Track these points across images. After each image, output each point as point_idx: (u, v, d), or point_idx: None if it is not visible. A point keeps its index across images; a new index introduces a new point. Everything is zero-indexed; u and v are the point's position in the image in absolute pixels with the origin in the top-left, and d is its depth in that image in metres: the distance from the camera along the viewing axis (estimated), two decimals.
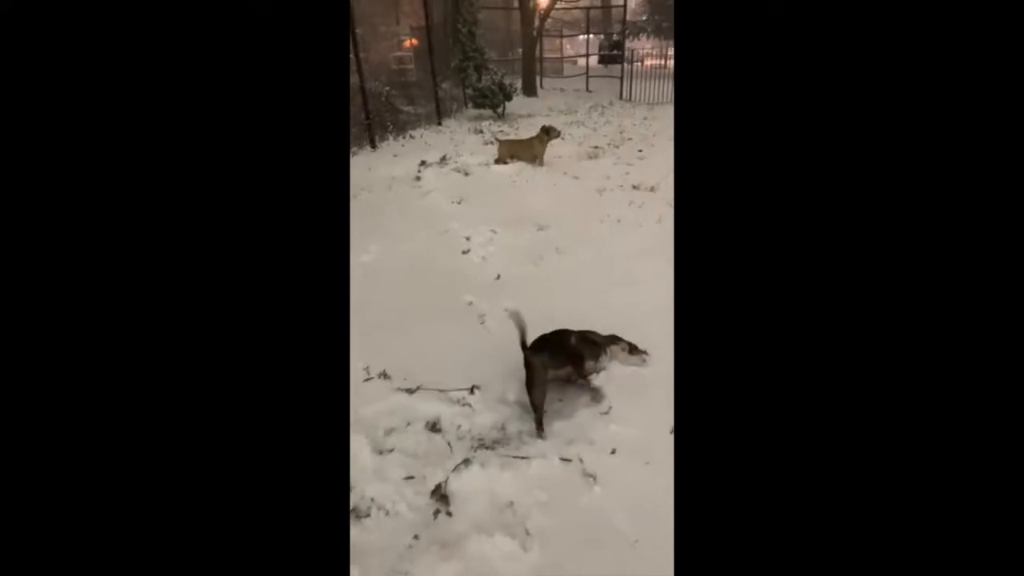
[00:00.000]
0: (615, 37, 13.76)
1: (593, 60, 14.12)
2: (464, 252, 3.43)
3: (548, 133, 5.37)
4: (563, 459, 1.73)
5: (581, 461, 1.71)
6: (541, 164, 5.34)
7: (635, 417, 1.89)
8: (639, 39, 13.30)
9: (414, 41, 8.77)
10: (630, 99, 10.26)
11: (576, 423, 1.89)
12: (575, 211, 4.12)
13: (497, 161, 5.36)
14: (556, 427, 1.89)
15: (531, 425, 1.90)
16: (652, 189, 4.57)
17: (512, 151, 5.44)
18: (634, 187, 4.66)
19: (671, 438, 1.82)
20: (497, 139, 5.83)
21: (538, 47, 11.87)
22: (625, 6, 11.89)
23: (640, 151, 6.02)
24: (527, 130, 6.58)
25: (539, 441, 1.83)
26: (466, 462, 1.71)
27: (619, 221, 3.92)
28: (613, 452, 1.75)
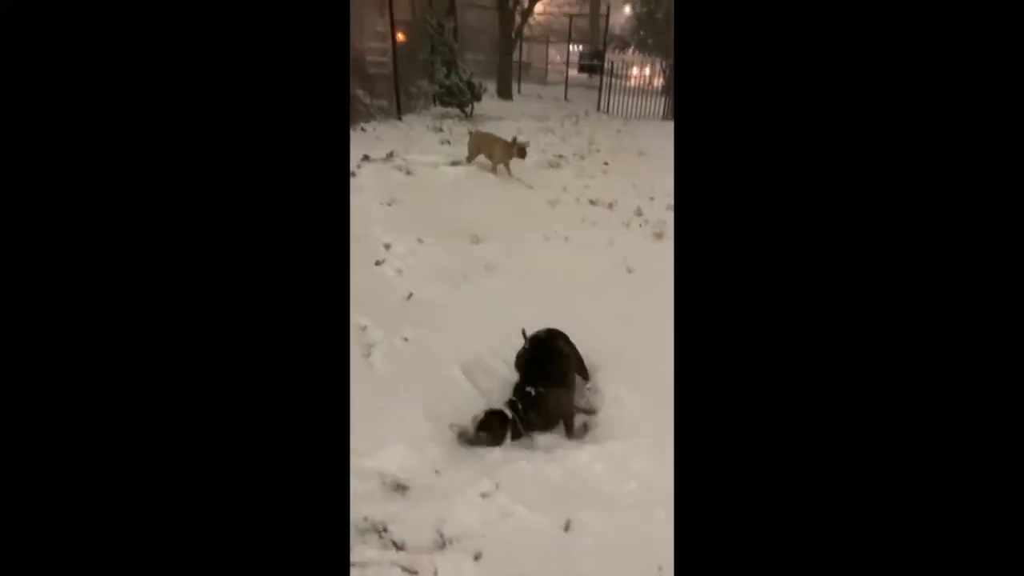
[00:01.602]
0: (598, 47, 13.47)
1: (574, 70, 13.79)
2: (377, 263, 2.90)
3: (515, 145, 4.70)
4: None
5: None
6: (494, 172, 4.80)
7: (534, 505, 1.39)
8: (624, 52, 13.00)
9: (399, 34, 8.28)
10: (607, 111, 9.91)
11: (445, 505, 1.38)
12: (520, 224, 3.64)
13: (468, 158, 4.81)
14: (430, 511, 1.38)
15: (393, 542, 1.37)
16: (610, 206, 4.12)
17: (481, 143, 4.83)
18: (591, 202, 4.21)
19: None
20: (470, 132, 5.15)
21: (519, 51, 11.43)
22: (607, 17, 11.59)
23: (606, 163, 5.60)
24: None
25: (393, 554, 1.31)
26: None
27: (566, 239, 3.45)
28: None
